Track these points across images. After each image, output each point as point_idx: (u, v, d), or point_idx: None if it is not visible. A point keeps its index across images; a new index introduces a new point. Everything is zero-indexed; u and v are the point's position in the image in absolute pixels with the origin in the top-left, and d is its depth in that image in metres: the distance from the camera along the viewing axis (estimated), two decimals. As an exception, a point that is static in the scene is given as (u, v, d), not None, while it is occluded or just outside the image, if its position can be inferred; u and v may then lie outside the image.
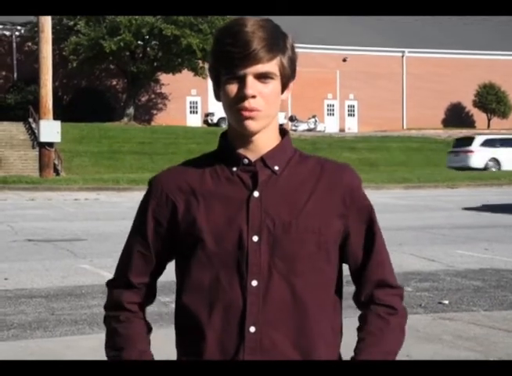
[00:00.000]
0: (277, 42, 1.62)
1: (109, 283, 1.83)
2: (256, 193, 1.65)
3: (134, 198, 20.54)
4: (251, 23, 1.60)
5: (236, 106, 1.61)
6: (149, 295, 1.80)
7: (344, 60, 47.03)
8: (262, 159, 1.67)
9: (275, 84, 1.63)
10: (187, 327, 1.69)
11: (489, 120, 47.87)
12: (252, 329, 1.62)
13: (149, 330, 1.80)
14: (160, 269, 1.78)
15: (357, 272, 1.74)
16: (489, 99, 46.91)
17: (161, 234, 1.72)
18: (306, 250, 1.64)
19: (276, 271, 1.63)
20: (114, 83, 43.46)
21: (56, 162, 29.33)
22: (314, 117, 43.43)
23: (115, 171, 30.32)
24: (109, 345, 1.80)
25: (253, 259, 1.63)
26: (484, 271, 9.28)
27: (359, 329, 1.72)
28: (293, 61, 1.67)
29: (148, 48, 38.75)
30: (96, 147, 32.69)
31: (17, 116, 35.57)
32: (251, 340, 1.62)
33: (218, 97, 1.69)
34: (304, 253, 1.64)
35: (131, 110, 39.92)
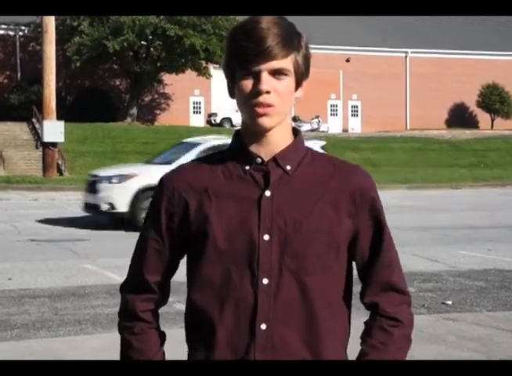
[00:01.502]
0: (291, 40, 1.63)
1: (123, 287, 1.81)
2: (268, 193, 1.66)
3: (137, 198, 20.52)
4: (266, 20, 1.61)
5: (250, 101, 1.62)
6: (163, 297, 1.80)
7: (348, 61, 46.96)
8: (275, 159, 1.68)
9: (289, 80, 1.64)
10: (198, 323, 1.70)
11: (493, 120, 47.76)
12: (263, 326, 1.63)
13: (163, 339, 1.79)
14: (173, 267, 1.77)
15: (364, 271, 1.74)
16: (493, 99, 46.78)
17: (173, 231, 1.72)
18: (316, 249, 1.65)
19: (287, 269, 1.64)
20: (117, 83, 43.44)
21: (60, 162, 29.33)
22: (317, 117, 43.37)
23: (118, 172, 30.30)
24: (124, 356, 1.78)
25: (264, 258, 1.64)
26: (487, 271, 9.26)
27: (363, 341, 1.72)
28: (307, 59, 1.68)
29: (151, 49, 38.71)
30: (100, 147, 32.70)
31: (21, 116, 35.57)
32: (262, 337, 1.63)
33: (232, 94, 1.69)
34: (315, 252, 1.65)
35: (134, 110, 39.89)
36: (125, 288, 1.79)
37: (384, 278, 1.73)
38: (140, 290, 1.75)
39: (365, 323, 1.75)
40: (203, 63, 38.26)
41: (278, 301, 1.63)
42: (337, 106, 47.61)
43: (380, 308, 1.72)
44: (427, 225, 14.43)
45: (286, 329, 1.64)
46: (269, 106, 1.62)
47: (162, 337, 1.78)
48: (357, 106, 47.93)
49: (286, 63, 1.62)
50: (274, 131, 1.67)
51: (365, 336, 1.72)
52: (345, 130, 45.92)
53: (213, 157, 1.75)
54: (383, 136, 39.42)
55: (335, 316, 1.69)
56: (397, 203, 20.28)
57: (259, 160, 1.68)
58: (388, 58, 47.83)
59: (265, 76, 1.60)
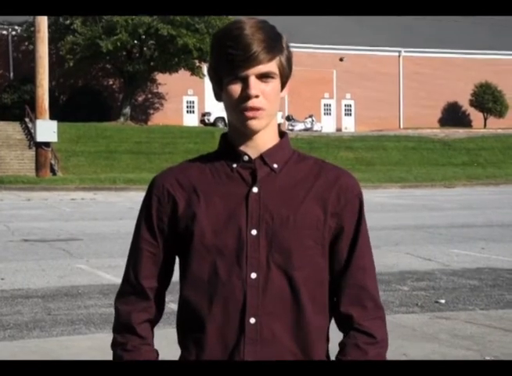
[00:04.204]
0: (275, 43, 1.67)
1: (117, 297, 1.78)
2: (255, 189, 1.69)
3: (131, 198, 20.54)
4: (249, 25, 1.64)
5: (239, 106, 1.65)
6: (158, 309, 1.76)
7: (341, 60, 46.99)
8: (261, 157, 1.71)
9: (275, 83, 1.68)
10: (188, 319, 1.71)
11: (486, 119, 47.87)
12: (252, 320, 1.65)
13: (156, 357, 1.76)
14: (168, 272, 1.77)
15: (338, 274, 1.73)
16: (486, 98, 46.90)
17: (164, 230, 1.73)
18: (303, 244, 1.67)
19: (274, 264, 1.66)
20: (111, 83, 43.37)
21: (53, 162, 29.28)
22: (311, 116, 43.37)
23: (112, 171, 30.29)
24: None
25: (252, 252, 1.66)
26: (480, 270, 9.29)
27: (336, 360, 1.70)
28: (289, 60, 1.72)
29: (144, 48, 38.67)
30: (93, 147, 32.65)
31: (14, 115, 35.48)
32: (251, 331, 1.65)
33: (218, 97, 1.72)
34: (301, 247, 1.67)
35: (127, 110, 39.84)
36: (120, 298, 1.77)
37: (358, 282, 1.71)
38: (135, 297, 1.74)
39: (340, 343, 1.72)
40: (197, 62, 38.23)
41: (266, 296, 1.65)
42: (330, 105, 47.64)
43: (354, 320, 1.69)
44: (420, 224, 14.46)
45: (275, 322, 1.66)
46: (258, 109, 1.66)
47: (155, 355, 1.76)
48: (350, 105, 47.97)
49: (272, 66, 1.66)
50: (261, 132, 1.70)
51: (339, 355, 1.69)
52: (339, 129, 45.96)
53: (202, 157, 1.79)
54: (376, 135, 39.47)
55: (321, 313, 1.70)
56: (390, 201, 20.32)
57: (246, 157, 1.71)
58: (382, 57, 47.89)
59: (252, 80, 1.64)
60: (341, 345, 1.70)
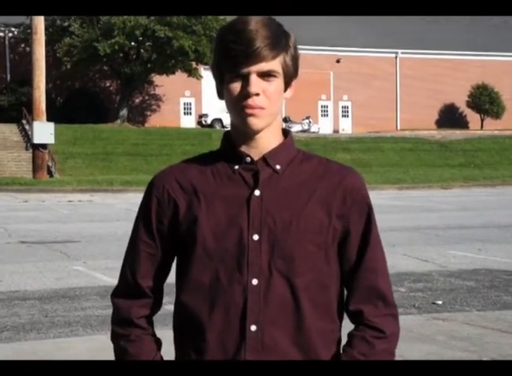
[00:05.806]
0: (280, 41, 1.62)
1: (115, 293, 1.76)
2: (257, 192, 1.65)
3: (128, 200, 20.51)
4: (255, 21, 1.60)
5: (240, 104, 1.61)
6: (157, 302, 1.76)
7: (338, 61, 47.03)
8: (264, 158, 1.66)
9: (278, 82, 1.63)
10: (187, 326, 1.68)
11: (482, 120, 47.94)
12: (253, 328, 1.62)
13: (160, 345, 1.76)
14: (166, 271, 1.75)
15: (348, 276, 1.71)
16: (482, 99, 46.97)
17: (164, 233, 1.70)
18: (306, 249, 1.64)
19: (276, 270, 1.63)
20: (108, 84, 43.37)
21: (50, 164, 29.24)
22: (308, 118, 43.40)
23: (109, 173, 30.26)
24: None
25: (253, 258, 1.62)
26: (477, 271, 9.29)
27: (343, 350, 1.69)
28: (295, 60, 1.66)
29: (142, 50, 38.69)
30: (90, 149, 32.62)
31: (11, 117, 35.45)
32: (253, 339, 1.62)
33: (221, 96, 1.68)
34: (304, 253, 1.63)
35: (124, 112, 39.83)
36: (118, 294, 1.75)
37: (369, 282, 1.69)
38: (134, 295, 1.72)
39: (348, 334, 1.71)
40: (194, 64, 38.25)
41: (268, 302, 1.62)
42: (327, 106, 47.66)
43: (364, 316, 1.68)
44: (417, 226, 14.46)
45: (276, 330, 1.62)
46: (259, 108, 1.61)
47: (158, 343, 1.76)
48: (347, 107, 47.99)
49: (275, 64, 1.61)
50: (263, 133, 1.66)
51: (346, 346, 1.69)
52: (336, 131, 45.99)
53: (202, 157, 1.74)
54: (373, 137, 39.48)
55: (325, 318, 1.67)
56: (388, 203, 20.31)
57: (248, 159, 1.67)
58: (379, 59, 47.93)
59: (254, 78, 1.60)
60: (349, 336, 1.69)
